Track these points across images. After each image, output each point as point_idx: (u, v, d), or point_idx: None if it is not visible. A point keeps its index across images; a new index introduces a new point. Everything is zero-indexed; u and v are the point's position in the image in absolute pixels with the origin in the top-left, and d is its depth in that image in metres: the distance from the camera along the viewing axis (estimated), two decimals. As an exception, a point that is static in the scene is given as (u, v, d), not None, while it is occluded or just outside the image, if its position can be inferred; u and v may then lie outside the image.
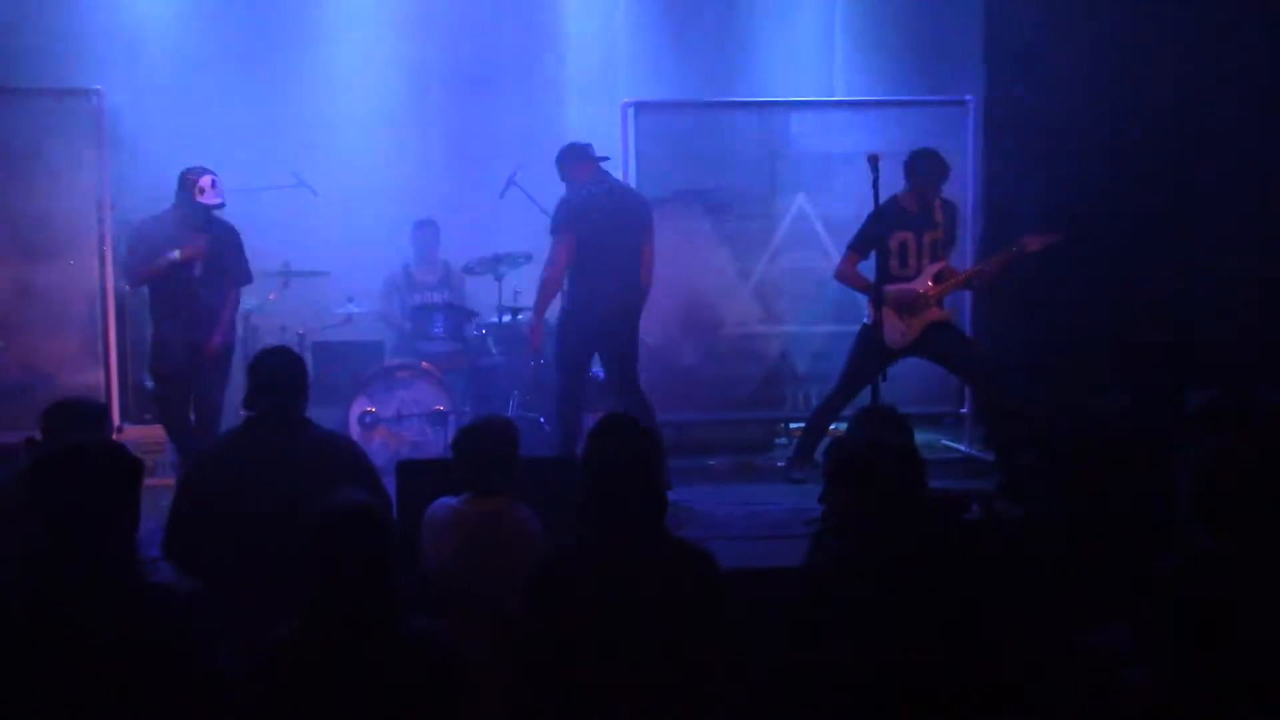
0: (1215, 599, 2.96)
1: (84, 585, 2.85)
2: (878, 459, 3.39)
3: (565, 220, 6.28)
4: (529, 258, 7.63)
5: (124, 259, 6.31)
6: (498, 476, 4.00)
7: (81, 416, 4.18)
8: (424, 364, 7.24)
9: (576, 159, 6.42)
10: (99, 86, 6.86)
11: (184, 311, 6.19)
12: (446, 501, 4.03)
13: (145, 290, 6.39)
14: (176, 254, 6.11)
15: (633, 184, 7.20)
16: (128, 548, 2.96)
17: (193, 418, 6.31)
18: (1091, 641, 3.33)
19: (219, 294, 6.29)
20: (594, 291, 6.25)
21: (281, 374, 4.11)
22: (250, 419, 4.14)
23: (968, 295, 7.23)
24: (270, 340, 7.06)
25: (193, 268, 6.18)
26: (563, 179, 6.45)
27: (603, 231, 6.24)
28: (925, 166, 6.41)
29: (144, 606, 2.87)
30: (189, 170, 6.22)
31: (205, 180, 6.16)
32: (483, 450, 4.02)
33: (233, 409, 7.41)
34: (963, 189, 7.22)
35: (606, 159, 6.56)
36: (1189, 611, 2.98)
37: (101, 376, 6.70)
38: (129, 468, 3.01)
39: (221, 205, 6.25)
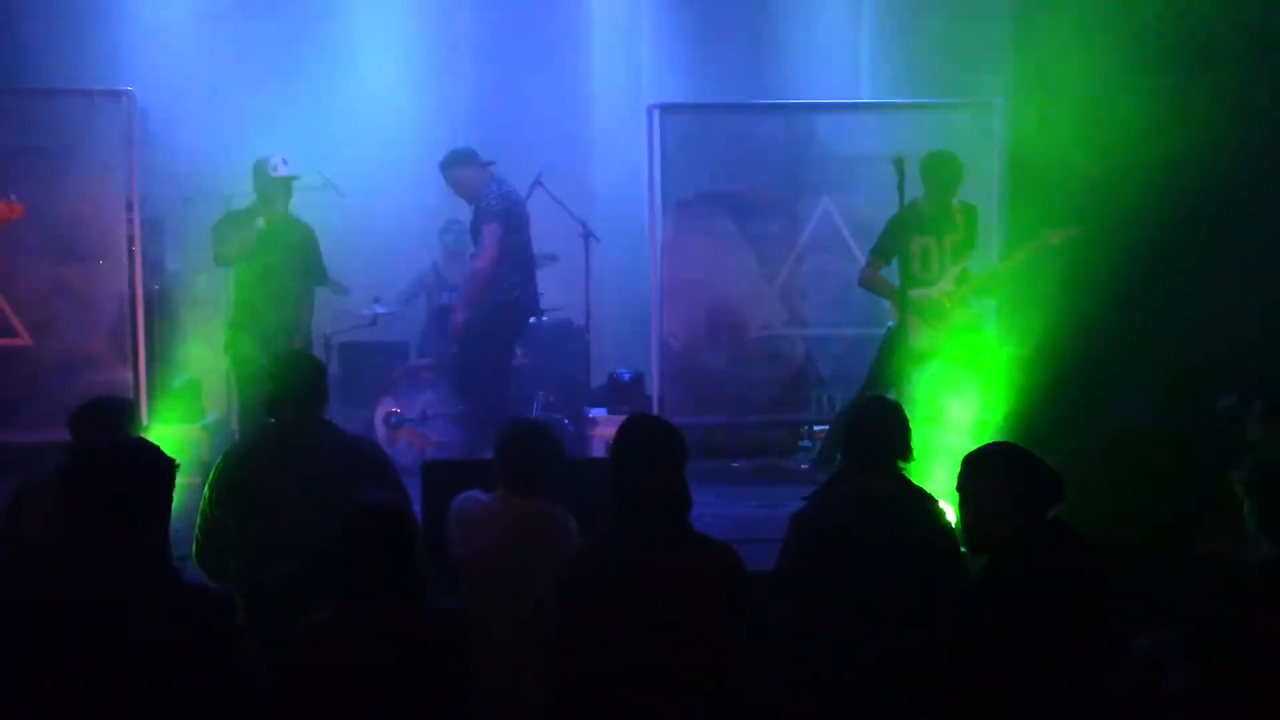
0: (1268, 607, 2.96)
1: (117, 584, 2.89)
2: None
3: (499, 209, 6.63)
4: (554, 258, 7.68)
5: (214, 243, 6.45)
6: (540, 478, 4.03)
7: (109, 416, 4.22)
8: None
9: (471, 162, 6.83)
10: (130, 88, 6.91)
11: (269, 313, 6.30)
12: (477, 496, 4.06)
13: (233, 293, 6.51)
14: (261, 221, 6.27)
15: (658, 186, 7.24)
16: (160, 547, 3.00)
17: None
18: (1136, 647, 3.33)
19: (299, 294, 6.46)
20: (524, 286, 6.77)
21: (301, 379, 4.15)
22: (273, 423, 4.18)
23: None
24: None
25: (277, 268, 6.29)
26: (458, 182, 6.81)
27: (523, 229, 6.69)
28: (942, 169, 6.40)
29: (176, 605, 2.90)
30: (259, 159, 6.42)
31: (276, 159, 6.36)
32: (529, 452, 4.05)
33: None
34: (989, 191, 7.20)
35: (493, 163, 6.94)
36: (1238, 617, 2.97)
37: (130, 375, 6.75)
38: (164, 467, 3.04)
39: (295, 176, 6.41)
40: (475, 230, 6.83)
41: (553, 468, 4.06)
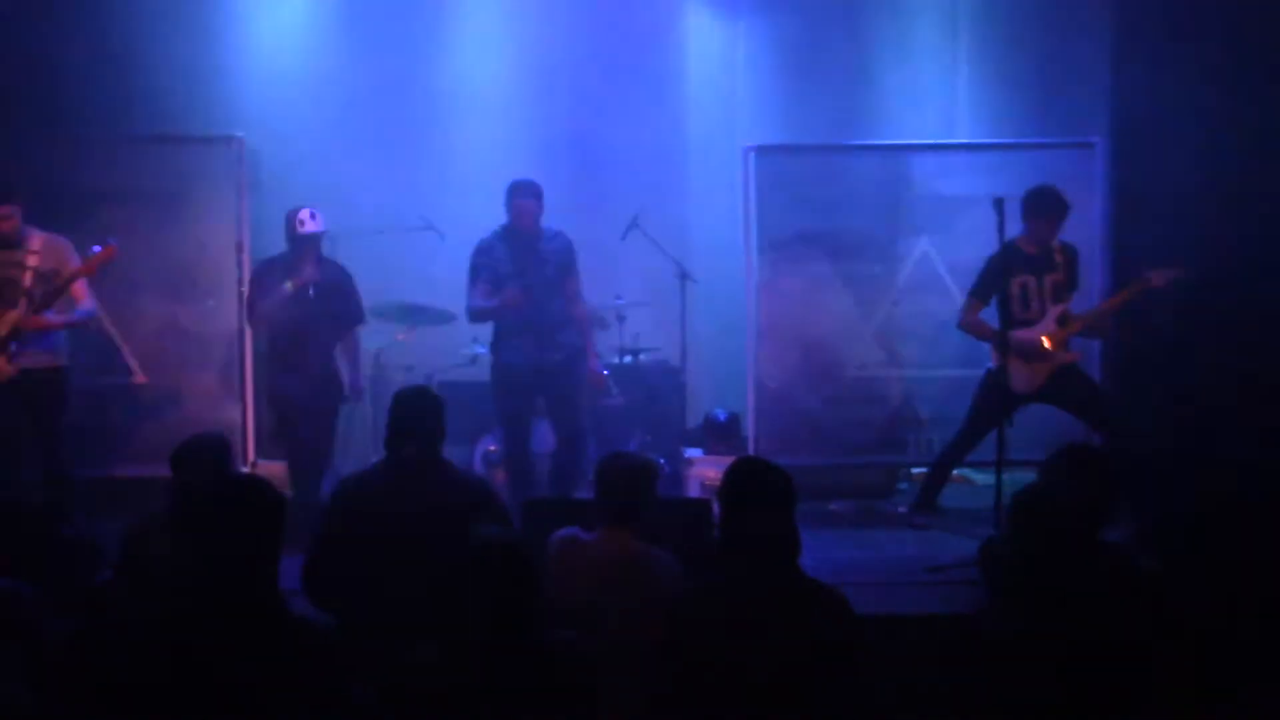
0: None
1: (227, 619, 2.96)
2: (1061, 508, 3.31)
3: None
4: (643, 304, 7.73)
5: (250, 298, 6.55)
6: (637, 506, 4.04)
7: (207, 452, 4.30)
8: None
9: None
10: (240, 133, 7.13)
11: (306, 361, 6.36)
12: (577, 535, 4.08)
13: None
14: (288, 285, 6.28)
15: (753, 227, 7.25)
16: (270, 581, 3.07)
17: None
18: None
19: (336, 339, 6.49)
20: None
21: (421, 416, 4.22)
22: (389, 457, 4.25)
23: (1097, 342, 7.10)
24: (398, 380, 7.25)
25: (309, 311, 6.33)
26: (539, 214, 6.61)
27: None
28: (1043, 206, 6.33)
29: (285, 640, 2.97)
30: (290, 211, 6.42)
31: (304, 214, 6.34)
32: (628, 476, 4.07)
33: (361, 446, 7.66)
34: (1089, 232, 7.11)
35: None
36: None
37: (239, 413, 6.94)
38: (273, 503, 3.12)
39: (322, 232, 6.40)
40: (570, 270, 6.75)
41: (647, 499, 4.06)
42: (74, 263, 6.03)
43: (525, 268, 6.52)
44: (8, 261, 5.94)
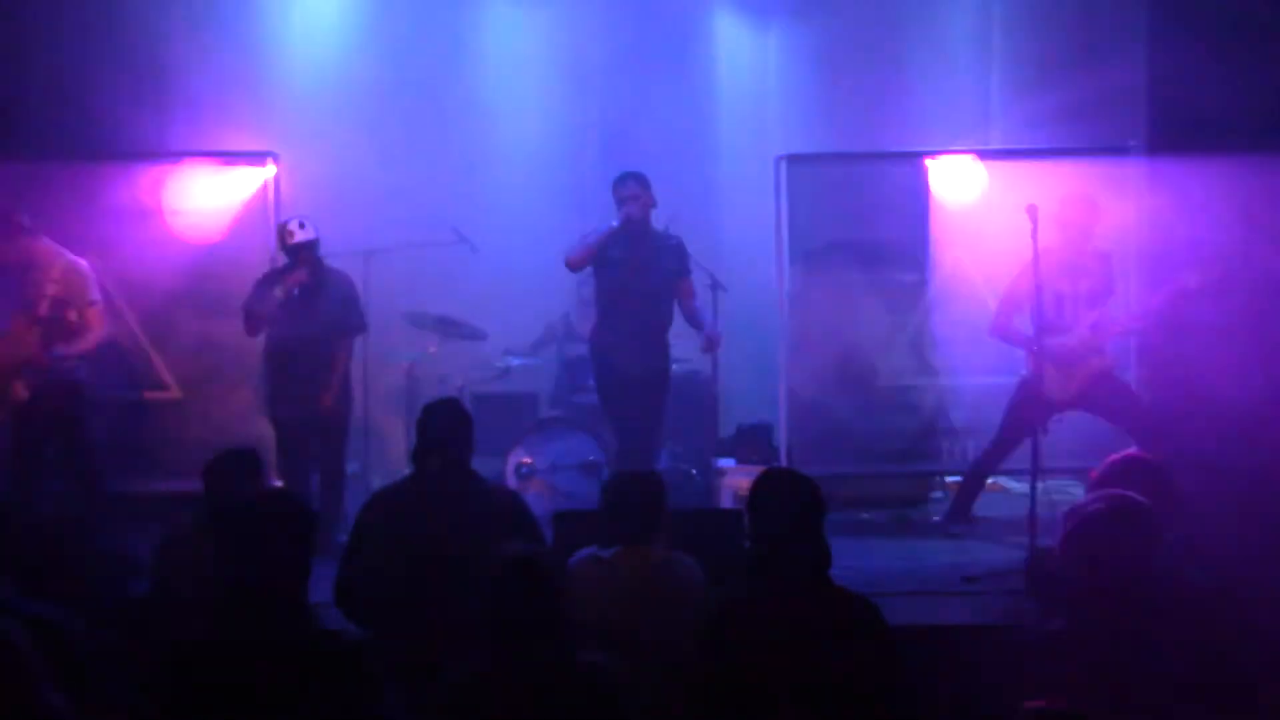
0: None
1: (258, 632, 2.97)
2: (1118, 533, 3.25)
3: None
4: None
5: (246, 305, 6.47)
6: (646, 526, 4.03)
7: (238, 466, 4.33)
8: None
9: None
10: (273, 150, 7.18)
11: (300, 367, 6.35)
12: (595, 554, 4.07)
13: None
14: (278, 290, 6.29)
15: (785, 236, 7.23)
16: (300, 595, 3.08)
17: (315, 480, 6.44)
18: None
19: (333, 347, 6.45)
20: None
21: (449, 429, 4.23)
22: (417, 471, 4.26)
23: (1132, 348, 7.04)
24: (431, 392, 7.27)
25: (305, 322, 6.32)
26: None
27: None
28: (1077, 213, 6.28)
29: (316, 653, 2.98)
30: (280, 223, 6.47)
31: (293, 224, 6.36)
32: (629, 501, 4.06)
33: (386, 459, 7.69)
34: (1124, 238, 7.04)
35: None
36: None
37: (271, 429, 6.96)
38: (303, 518, 3.13)
39: (312, 240, 6.37)
40: (686, 271, 6.67)
41: (653, 515, 4.04)
42: (91, 293, 6.11)
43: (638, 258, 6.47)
44: (28, 283, 6.02)
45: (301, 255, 6.34)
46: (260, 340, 6.51)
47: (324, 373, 6.40)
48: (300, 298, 6.34)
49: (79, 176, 6.99)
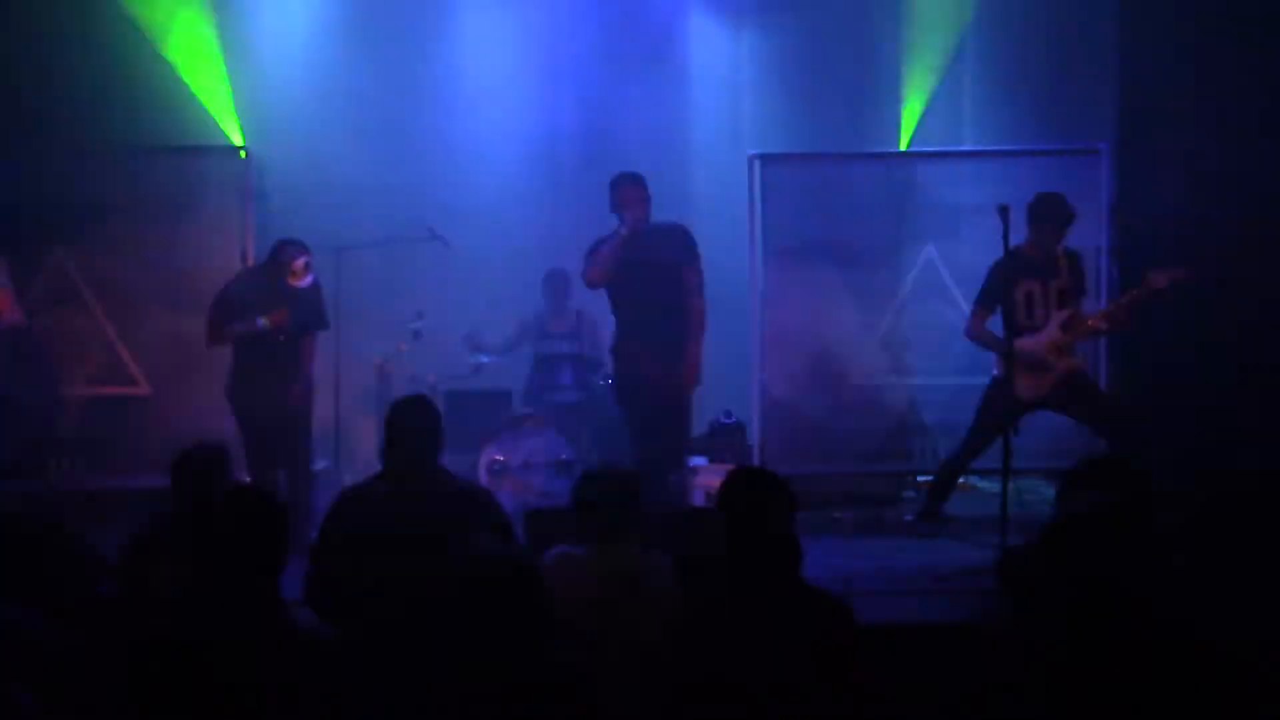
0: None
1: (230, 629, 2.95)
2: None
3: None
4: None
5: (207, 319, 6.37)
6: (617, 524, 4.02)
7: (205, 462, 4.30)
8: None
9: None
10: (245, 145, 7.14)
11: (267, 370, 6.29)
12: (570, 551, 4.06)
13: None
14: (263, 321, 6.20)
15: (759, 235, 7.23)
16: (272, 591, 3.06)
17: (282, 476, 6.38)
18: None
19: (299, 346, 6.41)
20: None
21: (417, 425, 4.21)
22: (386, 468, 4.24)
23: (1101, 348, 7.09)
24: (402, 389, 7.24)
25: (277, 336, 6.27)
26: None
27: None
28: (1048, 213, 6.31)
29: (289, 650, 2.96)
30: (286, 246, 6.33)
31: (299, 263, 6.29)
32: (602, 497, 4.05)
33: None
34: (1096, 238, 7.10)
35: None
36: None
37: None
38: (274, 514, 3.11)
39: (310, 287, 6.35)
40: (686, 261, 6.37)
41: (627, 512, 4.02)
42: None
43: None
44: None
45: (294, 298, 6.29)
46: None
47: (291, 365, 6.35)
48: (278, 337, 6.26)
49: (48, 167, 6.93)
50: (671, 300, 6.27)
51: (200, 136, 7.50)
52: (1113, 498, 3.38)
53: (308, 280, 6.34)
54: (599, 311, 7.88)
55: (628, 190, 6.28)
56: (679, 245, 6.35)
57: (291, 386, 6.35)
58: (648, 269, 6.23)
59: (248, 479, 6.16)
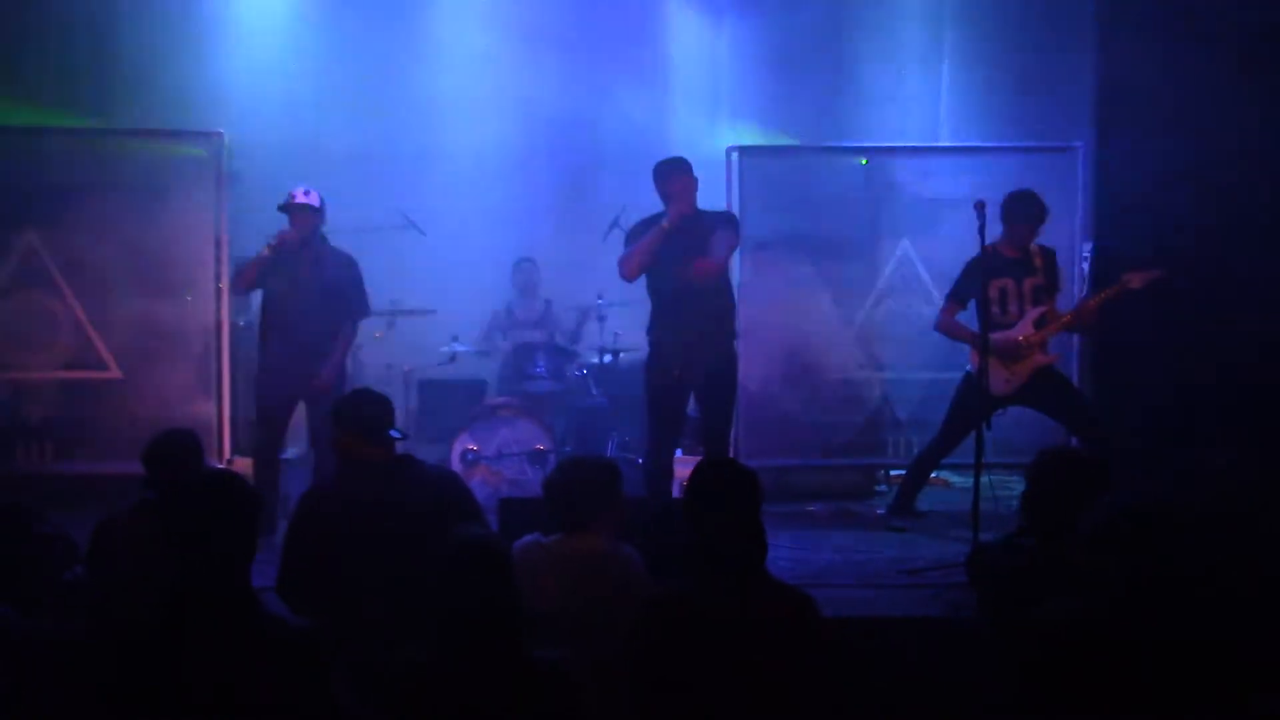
0: None
1: (201, 616, 2.93)
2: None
3: None
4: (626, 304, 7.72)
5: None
6: (587, 513, 4.00)
7: (177, 448, 4.28)
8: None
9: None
10: (220, 128, 7.08)
11: (293, 339, 6.25)
12: (537, 540, 4.04)
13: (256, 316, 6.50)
14: (266, 250, 6.20)
15: (736, 228, 7.23)
16: (244, 579, 3.04)
17: (311, 449, 6.41)
18: None
19: (332, 324, 6.33)
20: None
21: (360, 414, 4.20)
22: (355, 458, 4.22)
23: (1074, 343, 7.13)
24: (376, 377, 7.24)
25: (303, 293, 6.23)
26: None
27: None
28: (1022, 210, 6.34)
29: (262, 639, 2.94)
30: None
31: (298, 189, 6.30)
32: (571, 487, 4.04)
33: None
34: (1070, 236, 7.13)
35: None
36: None
37: (214, 409, 6.88)
38: (247, 500, 3.09)
39: (309, 205, 6.29)
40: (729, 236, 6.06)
41: (599, 501, 4.00)
42: None
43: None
44: None
45: (294, 216, 6.25)
46: (253, 313, 6.36)
47: (325, 345, 6.29)
48: (296, 265, 6.22)
49: (20, 148, 6.86)
50: (715, 289, 6.02)
51: (174, 119, 7.43)
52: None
53: (307, 200, 6.27)
54: (569, 302, 7.90)
55: (675, 180, 5.95)
56: (726, 229, 6.05)
57: (327, 361, 6.26)
58: (693, 258, 5.90)
59: (227, 461, 6.13)
